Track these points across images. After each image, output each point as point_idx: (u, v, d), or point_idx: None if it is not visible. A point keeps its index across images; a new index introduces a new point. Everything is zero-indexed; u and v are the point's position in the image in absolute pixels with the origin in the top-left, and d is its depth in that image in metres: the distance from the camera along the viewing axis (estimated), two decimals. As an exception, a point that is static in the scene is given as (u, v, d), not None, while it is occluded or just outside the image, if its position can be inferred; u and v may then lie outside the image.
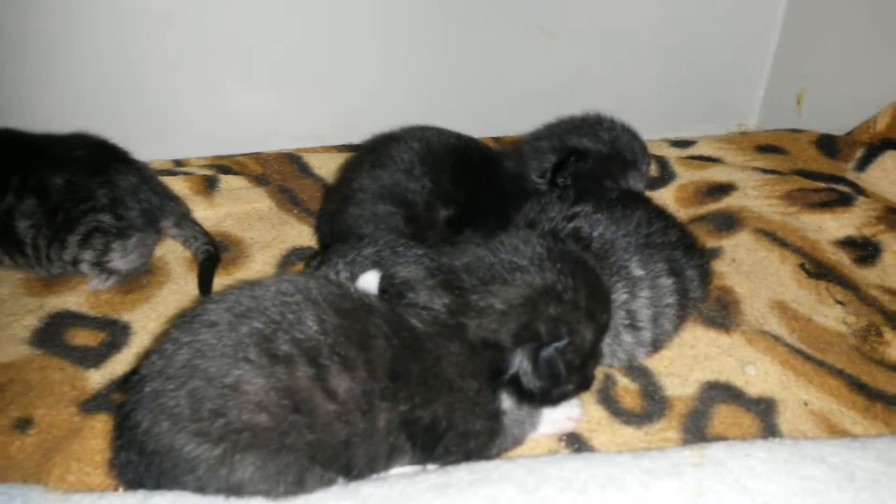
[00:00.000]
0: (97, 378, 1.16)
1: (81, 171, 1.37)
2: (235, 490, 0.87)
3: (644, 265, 1.15)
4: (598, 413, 1.12)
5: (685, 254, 1.21)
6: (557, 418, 1.09)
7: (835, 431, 1.09)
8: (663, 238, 1.19)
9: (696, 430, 1.09)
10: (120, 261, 1.36)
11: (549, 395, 0.99)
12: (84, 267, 1.36)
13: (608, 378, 1.18)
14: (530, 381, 0.96)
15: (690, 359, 1.22)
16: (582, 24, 2.06)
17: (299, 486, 0.88)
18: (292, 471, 0.88)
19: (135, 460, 0.90)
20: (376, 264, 1.13)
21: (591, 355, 1.01)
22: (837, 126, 1.93)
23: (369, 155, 1.39)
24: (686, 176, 1.79)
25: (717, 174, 1.78)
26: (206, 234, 1.49)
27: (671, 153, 1.93)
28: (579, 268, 1.01)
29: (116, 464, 0.94)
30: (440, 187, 1.33)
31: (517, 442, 1.05)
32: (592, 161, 1.36)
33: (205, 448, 0.86)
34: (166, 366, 0.89)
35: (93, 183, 1.37)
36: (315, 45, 1.89)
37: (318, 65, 1.92)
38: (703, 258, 1.26)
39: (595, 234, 1.16)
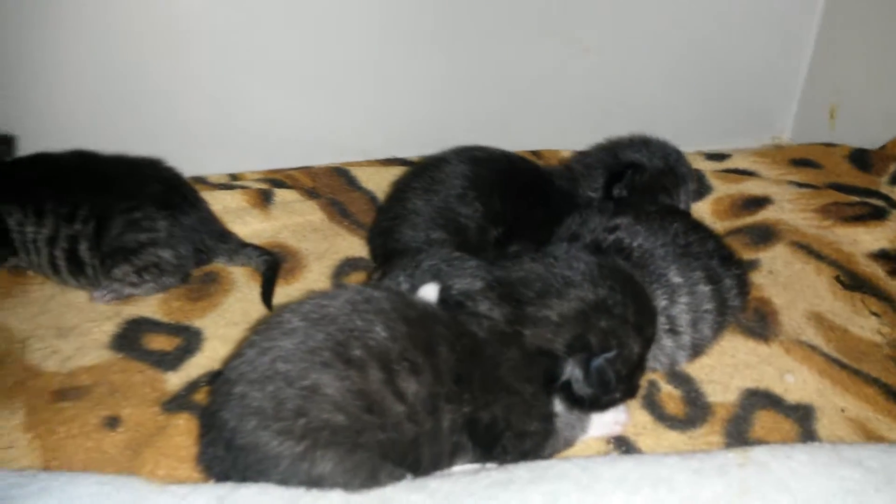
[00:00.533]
0: (175, 380, 1.25)
1: (150, 204, 1.46)
2: (316, 483, 0.95)
3: (682, 273, 1.22)
4: (643, 418, 1.19)
5: (722, 263, 1.28)
6: (606, 422, 1.16)
7: (871, 437, 1.14)
8: (700, 248, 1.26)
9: (738, 435, 1.15)
10: (142, 289, 1.44)
11: (598, 402, 1.07)
12: (118, 284, 1.43)
13: (652, 384, 1.25)
14: (581, 388, 1.03)
15: (731, 367, 1.28)
16: (618, 38, 2.12)
17: (373, 481, 0.96)
18: (366, 466, 0.96)
19: (222, 455, 0.98)
20: (434, 276, 1.21)
21: (638, 366, 1.09)
22: (870, 140, 1.98)
23: (422, 177, 1.47)
24: (722, 189, 1.85)
25: (752, 188, 1.84)
26: (260, 250, 1.56)
27: (707, 166, 1.98)
28: (628, 284, 1.08)
29: (203, 459, 1.02)
30: (490, 210, 1.41)
31: (568, 444, 1.12)
32: (649, 175, 1.43)
33: (288, 444, 0.94)
34: (250, 369, 0.98)
35: (158, 216, 1.45)
36: (362, 63, 1.98)
37: (364, 81, 2.00)
38: (739, 268, 1.32)
39: (635, 244, 1.24)
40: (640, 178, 1.42)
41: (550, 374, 1.04)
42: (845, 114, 2.12)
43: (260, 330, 1.02)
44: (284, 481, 0.95)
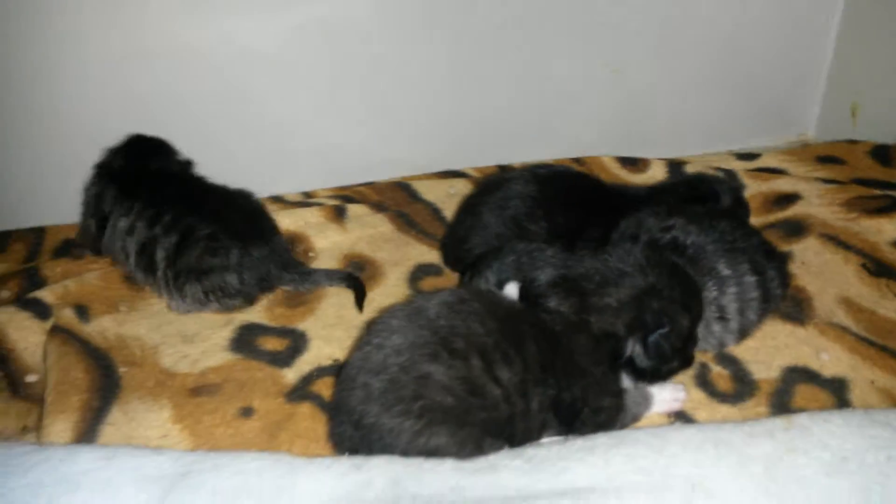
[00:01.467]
0: (291, 375, 1.45)
1: (227, 232, 1.61)
2: (432, 453, 1.14)
3: (730, 266, 1.40)
4: (698, 395, 1.37)
5: (765, 257, 1.46)
6: (666, 399, 1.34)
7: (899, 404, 1.32)
8: (746, 243, 1.44)
9: (781, 406, 1.33)
10: (206, 308, 1.62)
11: (659, 372, 1.26)
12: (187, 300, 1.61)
13: (704, 366, 1.43)
14: (642, 362, 1.23)
15: (772, 349, 1.45)
16: (648, 48, 2.28)
17: (479, 451, 1.15)
18: (473, 439, 1.15)
19: (350, 433, 1.19)
20: (517, 270, 1.40)
21: (690, 338, 1.28)
22: (890, 135, 2.13)
23: (493, 194, 1.66)
24: (754, 187, 2.02)
25: (782, 185, 2.00)
26: (331, 273, 1.72)
27: (738, 166, 2.15)
28: (674, 270, 1.29)
29: (333, 437, 1.23)
30: (554, 223, 1.60)
31: (636, 418, 1.31)
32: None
33: (409, 423, 1.13)
34: (369, 363, 1.17)
35: (232, 245, 1.60)
36: (416, 84, 2.17)
37: (420, 103, 2.20)
38: (781, 261, 1.50)
39: (688, 241, 1.42)
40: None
41: (615, 353, 1.23)
42: (866, 111, 2.28)
43: (372, 330, 1.22)
44: (405, 453, 1.14)
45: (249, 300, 1.64)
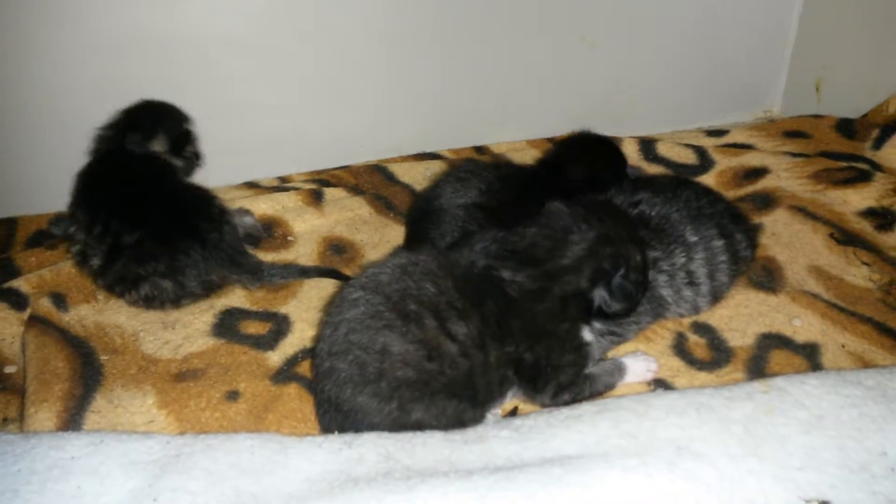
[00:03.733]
0: (275, 358, 1.46)
1: (155, 235, 1.54)
2: (417, 427, 1.16)
3: (697, 232, 1.44)
4: (676, 363, 1.41)
5: (731, 220, 1.50)
6: (639, 369, 1.38)
7: (868, 366, 1.37)
8: (711, 209, 1.48)
9: (757, 371, 1.37)
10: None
11: (629, 310, 1.28)
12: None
13: (681, 336, 1.47)
14: (612, 306, 1.24)
15: (746, 316, 1.50)
16: (617, 28, 2.31)
17: (459, 422, 1.17)
18: (450, 410, 1.17)
19: (334, 415, 1.20)
20: (486, 255, 1.41)
21: (645, 268, 1.29)
22: (854, 110, 2.19)
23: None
24: (724, 162, 2.06)
25: (751, 160, 2.05)
26: (288, 269, 1.67)
27: (708, 142, 2.20)
28: (608, 211, 1.30)
29: (322, 421, 1.24)
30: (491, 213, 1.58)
31: (609, 387, 1.34)
32: None
33: (384, 404, 1.15)
34: (330, 345, 1.18)
35: (160, 250, 1.53)
36: (391, 66, 2.16)
37: (394, 83, 2.19)
38: (747, 224, 1.54)
39: (653, 213, 1.45)
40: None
41: (586, 308, 1.25)
42: (830, 87, 2.34)
43: (330, 309, 1.23)
44: (392, 429, 1.16)
45: (195, 298, 1.58)
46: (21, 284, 1.57)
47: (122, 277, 1.53)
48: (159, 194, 1.62)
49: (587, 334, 1.28)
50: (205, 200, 1.65)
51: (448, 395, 1.15)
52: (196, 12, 1.93)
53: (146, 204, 1.58)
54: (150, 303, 1.54)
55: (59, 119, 1.89)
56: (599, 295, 1.24)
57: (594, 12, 2.27)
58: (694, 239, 1.41)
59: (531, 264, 1.24)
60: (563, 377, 1.24)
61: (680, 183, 1.53)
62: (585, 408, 1.16)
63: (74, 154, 1.75)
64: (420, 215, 1.64)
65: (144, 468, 1.02)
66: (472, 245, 1.43)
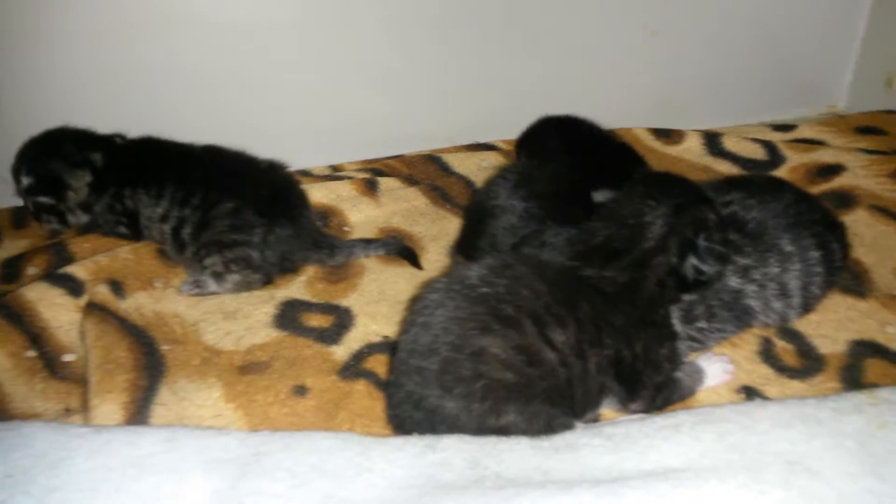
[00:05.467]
0: (340, 352, 1.40)
1: (250, 207, 1.56)
2: (503, 432, 1.10)
3: (794, 241, 1.36)
4: (765, 370, 1.33)
5: (828, 229, 1.41)
6: (717, 371, 1.31)
7: (972, 377, 1.29)
8: (809, 216, 1.40)
9: (853, 381, 1.29)
10: (224, 286, 1.55)
11: (723, 270, 1.22)
12: (206, 273, 1.55)
13: (767, 341, 1.39)
14: (709, 272, 1.18)
15: (835, 322, 1.42)
16: (679, 18, 2.23)
17: (549, 428, 1.11)
18: (542, 415, 1.11)
19: (411, 414, 1.14)
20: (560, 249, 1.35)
21: (723, 223, 1.23)
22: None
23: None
24: (795, 159, 1.98)
25: (823, 156, 1.96)
26: (370, 244, 1.67)
27: (776, 137, 2.11)
28: (665, 180, 1.25)
29: (393, 419, 1.18)
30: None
31: (691, 392, 1.27)
32: None
33: (475, 405, 1.09)
34: (418, 343, 1.12)
35: (257, 221, 1.56)
36: (444, 53, 2.09)
37: (449, 74, 2.13)
38: (841, 232, 1.46)
39: (749, 216, 1.37)
40: None
41: (683, 283, 1.19)
42: (903, 81, 2.24)
43: (415, 308, 1.17)
44: (474, 433, 1.10)
45: (268, 278, 1.58)
46: (77, 270, 1.52)
47: (214, 241, 1.53)
48: (254, 170, 1.65)
49: (677, 324, 1.21)
50: (291, 181, 1.70)
51: (544, 401, 1.09)
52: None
53: (243, 177, 1.61)
54: (228, 267, 1.53)
55: (101, 104, 1.84)
56: (691, 265, 1.18)
57: (658, 2, 2.18)
58: (790, 248, 1.33)
59: (616, 257, 1.18)
60: (659, 376, 1.18)
61: (776, 184, 1.45)
62: (682, 417, 1.09)
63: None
64: (478, 214, 1.58)
65: (223, 467, 0.97)
66: (547, 246, 1.38)
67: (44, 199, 1.66)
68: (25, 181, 1.65)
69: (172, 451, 0.99)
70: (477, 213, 1.57)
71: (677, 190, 1.21)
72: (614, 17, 2.16)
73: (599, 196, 1.27)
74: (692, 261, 1.16)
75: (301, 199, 1.68)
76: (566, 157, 1.66)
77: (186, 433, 1.03)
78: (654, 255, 1.17)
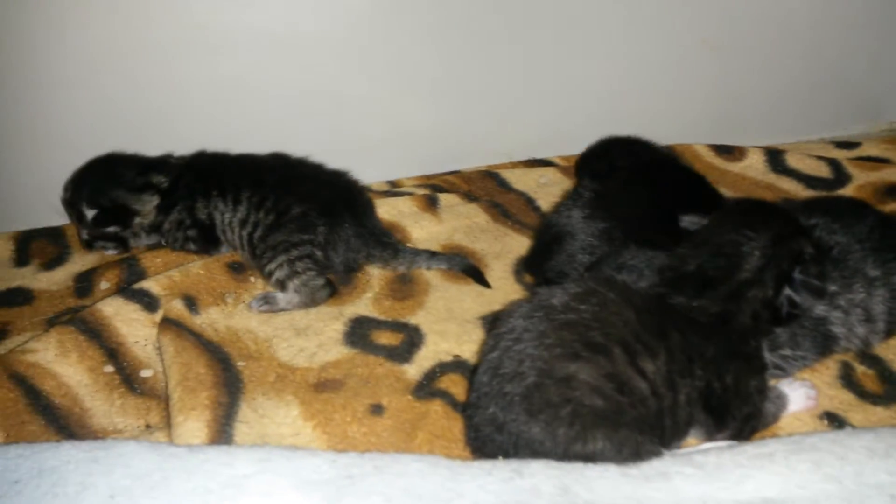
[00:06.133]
0: (413, 371, 1.40)
1: (316, 208, 1.61)
2: (589, 458, 1.08)
3: (879, 266, 1.33)
4: (846, 396, 1.31)
5: None
6: (800, 397, 1.29)
7: None
8: (893, 240, 1.37)
9: (940, 409, 1.27)
10: (289, 295, 1.56)
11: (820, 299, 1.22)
12: (272, 281, 1.57)
13: (847, 365, 1.37)
14: (805, 304, 1.17)
15: (916, 347, 1.39)
16: (739, 33, 2.20)
17: (636, 455, 1.10)
18: (631, 441, 1.09)
19: (494, 437, 1.13)
20: (639, 275, 1.34)
21: (820, 257, 1.21)
22: None
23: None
24: (862, 177, 1.95)
25: (891, 175, 1.93)
26: (432, 255, 1.69)
27: (840, 154, 2.08)
28: (765, 209, 1.23)
29: (473, 441, 1.18)
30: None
31: (775, 418, 1.26)
32: None
33: (562, 430, 1.08)
34: (503, 367, 1.11)
35: (320, 221, 1.59)
36: (504, 71, 2.09)
37: (507, 88, 2.12)
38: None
39: (833, 241, 1.35)
40: None
41: (776, 316, 1.17)
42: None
43: (499, 331, 1.16)
44: (560, 458, 1.09)
45: (333, 289, 1.60)
46: (152, 285, 1.54)
47: (281, 242, 1.56)
48: (319, 175, 1.70)
49: (766, 355, 1.19)
50: (355, 184, 1.74)
51: (634, 429, 1.08)
52: (304, 9, 1.87)
53: (309, 182, 1.66)
54: (293, 265, 1.55)
55: (168, 118, 1.87)
56: (786, 298, 1.16)
57: (716, 14, 2.16)
58: (875, 273, 1.31)
59: (710, 286, 1.16)
60: (747, 407, 1.16)
61: (858, 207, 1.43)
62: (774, 446, 1.07)
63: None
64: (552, 233, 1.57)
65: (319, 489, 0.97)
66: (626, 268, 1.37)
67: (112, 230, 1.68)
68: (89, 213, 1.65)
69: (267, 472, 1.00)
70: (551, 231, 1.57)
71: (775, 221, 1.19)
72: (674, 33, 2.14)
73: (687, 222, 1.26)
74: (787, 293, 1.15)
75: (365, 200, 1.72)
76: (636, 179, 1.64)
77: (279, 454, 1.04)
78: (750, 287, 1.16)
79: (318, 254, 1.58)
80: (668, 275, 1.21)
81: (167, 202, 1.68)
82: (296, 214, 1.59)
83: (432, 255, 1.70)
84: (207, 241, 1.67)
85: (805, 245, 1.18)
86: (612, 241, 1.46)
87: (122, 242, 1.71)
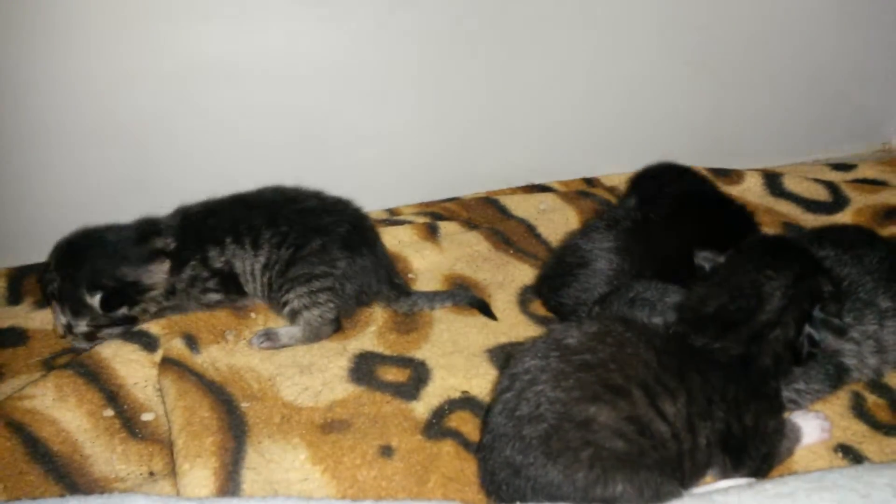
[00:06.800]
0: (420, 409, 1.38)
1: (335, 242, 1.59)
2: (609, 502, 1.07)
3: (891, 297, 1.33)
4: (859, 427, 1.30)
5: None
6: (814, 429, 1.28)
7: None
8: None
9: (953, 438, 1.26)
10: (297, 328, 1.54)
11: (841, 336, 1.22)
12: (287, 311, 1.55)
13: (857, 395, 1.36)
14: (827, 343, 1.18)
15: (927, 375, 1.38)
16: (732, 57, 2.22)
17: (656, 497, 1.08)
18: (652, 483, 1.07)
19: (510, 481, 1.11)
20: (651, 309, 1.33)
21: (839, 295, 1.21)
22: None
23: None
24: (860, 200, 1.96)
25: (889, 197, 1.95)
26: (433, 296, 1.67)
27: (837, 177, 2.09)
28: (785, 247, 1.23)
29: (489, 485, 1.15)
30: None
31: (790, 452, 1.25)
32: None
33: (581, 474, 1.06)
34: (519, 409, 1.09)
35: (341, 254, 1.58)
36: (500, 98, 2.09)
37: (503, 115, 2.12)
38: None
39: (843, 273, 1.35)
40: None
41: (797, 356, 1.17)
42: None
43: (514, 371, 1.14)
44: (579, 501, 1.06)
45: (337, 324, 1.57)
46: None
47: (302, 274, 1.54)
48: (330, 206, 1.67)
49: (784, 398, 1.18)
50: (363, 215, 1.71)
51: (654, 471, 1.06)
52: (300, 39, 1.86)
53: (326, 215, 1.63)
54: (315, 296, 1.53)
55: (160, 149, 1.85)
56: (807, 339, 1.16)
57: (711, 39, 2.17)
58: (887, 305, 1.31)
59: (731, 327, 1.15)
60: (765, 447, 1.15)
61: (867, 237, 1.43)
62: (794, 484, 1.06)
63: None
64: (570, 260, 1.56)
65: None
66: (637, 303, 1.35)
67: (123, 312, 1.51)
68: (93, 299, 1.47)
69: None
70: (576, 255, 1.55)
71: (794, 259, 1.18)
72: (670, 58, 2.15)
73: (701, 258, 1.25)
74: (807, 332, 1.14)
75: (374, 232, 1.71)
76: (680, 210, 1.62)
77: (290, 505, 1.01)
78: (772, 329, 1.15)
79: (338, 286, 1.56)
80: (689, 315, 1.19)
81: (176, 263, 1.55)
82: (316, 248, 1.57)
83: (433, 296, 1.67)
84: (229, 289, 1.59)
85: (825, 283, 1.17)
86: (627, 273, 1.45)
87: (131, 321, 1.53)
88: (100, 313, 1.49)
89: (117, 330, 1.52)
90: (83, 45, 1.69)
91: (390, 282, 1.64)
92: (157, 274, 1.53)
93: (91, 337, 1.52)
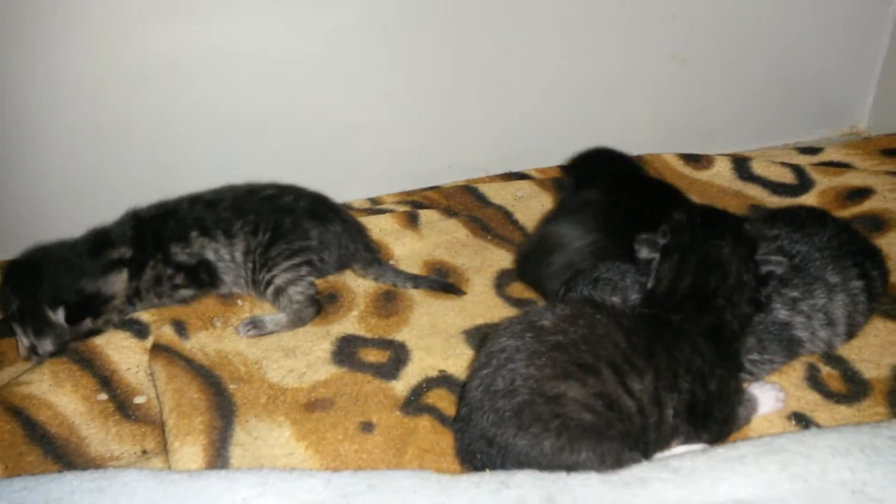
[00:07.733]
0: (400, 387, 1.45)
1: (303, 215, 1.70)
2: (573, 468, 1.14)
3: (838, 272, 1.41)
4: (812, 396, 1.38)
5: (867, 257, 1.47)
6: (770, 399, 1.36)
7: None
8: (850, 247, 1.45)
9: (900, 405, 1.34)
10: (279, 316, 1.61)
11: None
12: (270, 291, 1.62)
13: (812, 367, 1.44)
14: (781, 270, 1.26)
15: (878, 347, 1.47)
16: (707, 46, 2.28)
17: (618, 464, 1.16)
18: (613, 452, 1.15)
19: (483, 450, 1.19)
20: (613, 289, 1.41)
21: (759, 231, 1.33)
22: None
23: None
24: (824, 182, 2.03)
25: (852, 179, 2.02)
26: (398, 273, 1.77)
27: (803, 160, 2.16)
28: (712, 215, 1.32)
29: (463, 454, 1.23)
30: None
31: (747, 420, 1.32)
32: None
33: (549, 441, 1.13)
34: (494, 385, 1.17)
35: (311, 226, 1.68)
36: (478, 86, 2.15)
37: (482, 103, 2.18)
38: (881, 259, 1.51)
39: (794, 250, 1.43)
40: None
41: (759, 305, 1.27)
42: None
43: (490, 350, 1.21)
44: (546, 468, 1.14)
45: (318, 307, 1.66)
46: (141, 314, 1.57)
47: (284, 250, 1.63)
48: (287, 188, 1.76)
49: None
50: (321, 194, 1.82)
51: (617, 441, 1.14)
52: (283, 31, 1.92)
53: (287, 195, 1.73)
54: (299, 268, 1.63)
55: (148, 142, 1.92)
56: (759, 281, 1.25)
57: (685, 29, 2.24)
58: (835, 280, 1.38)
59: (705, 301, 1.23)
60: (726, 409, 1.23)
61: (818, 216, 1.50)
62: (745, 448, 1.14)
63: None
64: (535, 255, 1.63)
65: (315, 510, 1.02)
66: (600, 282, 1.42)
67: (87, 325, 1.52)
68: (57, 315, 1.48)
69: (266, 495, 1.04)
70: (545, 241, 1.64)
71: (724, 221, 1.27)
72: (643, 47, 2.22)
73: (641, 241, 1.31)
74: (763, 270, 1.24)
75: (336, 204, 1.83)
76: (617, 190, 1.70)
77: (276, 476, 1.08)
78: (739, 290, 1.23)
79: (315, 258, 1.67)
80: (661, 299, 1.27)
81: (135, 269, 1.57)
82: (288, 225, 1.66)
83: (398, 273, 1.78)
84: (201, 282, 1.64)
85: (749, 231, 1.26)
86: (595, 256, 1.52)
87: (95, 334, 1.53)
88: (65, 328, 1.49)
89: (82, 340, 1.52)
90: (64, 42, 1.75)
91: (365, 244, 1.76)
92: (117, 283, 1.55)
93: (60, 352, 1.50)
